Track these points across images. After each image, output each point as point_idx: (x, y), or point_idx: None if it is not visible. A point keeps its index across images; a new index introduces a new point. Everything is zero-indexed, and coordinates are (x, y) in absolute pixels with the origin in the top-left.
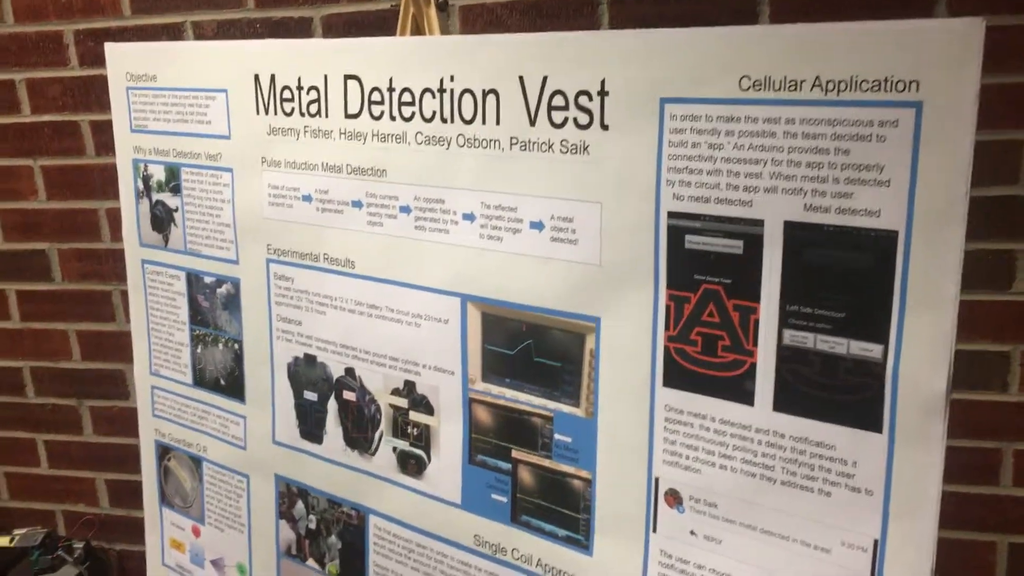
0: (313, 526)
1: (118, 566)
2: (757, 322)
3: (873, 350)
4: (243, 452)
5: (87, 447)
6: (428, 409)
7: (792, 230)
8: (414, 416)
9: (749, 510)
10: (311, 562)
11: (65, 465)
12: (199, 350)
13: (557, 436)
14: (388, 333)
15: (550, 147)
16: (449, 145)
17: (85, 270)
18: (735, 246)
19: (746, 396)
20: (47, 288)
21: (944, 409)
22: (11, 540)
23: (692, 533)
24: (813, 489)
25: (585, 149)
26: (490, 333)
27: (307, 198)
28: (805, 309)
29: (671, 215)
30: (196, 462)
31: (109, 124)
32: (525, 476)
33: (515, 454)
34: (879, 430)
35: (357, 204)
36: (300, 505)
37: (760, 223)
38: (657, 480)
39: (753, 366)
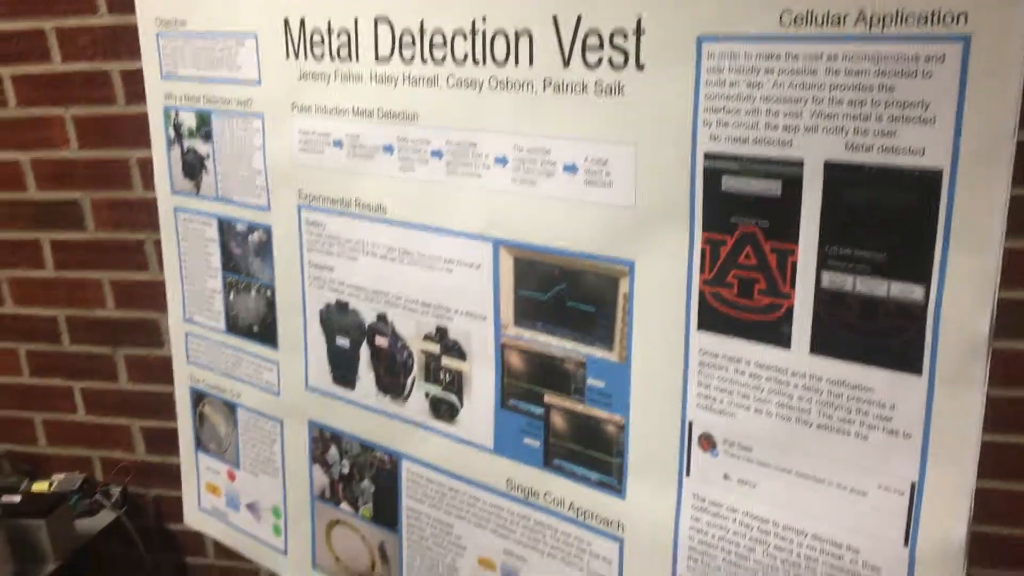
0: (346, 470)
1: (155, 510)
2: (795, 264)
3: (914, 291)
4: (276, 398)
5: (122, 394)
6: (460, 354)
7: (833, 170)
8: (446, 361)
9: (784, 454)
10: (344, 505)
11: (101, 412)
12: (232, 297)
13: (590, 381)
14: (420, 279)
15: (584, 88)
16: (481, 88)
17: (117, 219)
18: (773, 187)
19: (783, 339)
20: (80, 237)
21: (987, 351)
22: (50, 485)
23: (726, 477)
24: (850, 432)
25: (620, 90)
26: (523, 278)
27: (338, 143)
28: (845, 251)
29: (707, 156)
30: (230, 408)
31: (139, 73)
32: (558, 420)
33: (548, 399)
34: (919, 372)
35: (388, 149)
36: (333, 450)
37: (800, 163)
38: (691, 424)
39: (790, 309)
